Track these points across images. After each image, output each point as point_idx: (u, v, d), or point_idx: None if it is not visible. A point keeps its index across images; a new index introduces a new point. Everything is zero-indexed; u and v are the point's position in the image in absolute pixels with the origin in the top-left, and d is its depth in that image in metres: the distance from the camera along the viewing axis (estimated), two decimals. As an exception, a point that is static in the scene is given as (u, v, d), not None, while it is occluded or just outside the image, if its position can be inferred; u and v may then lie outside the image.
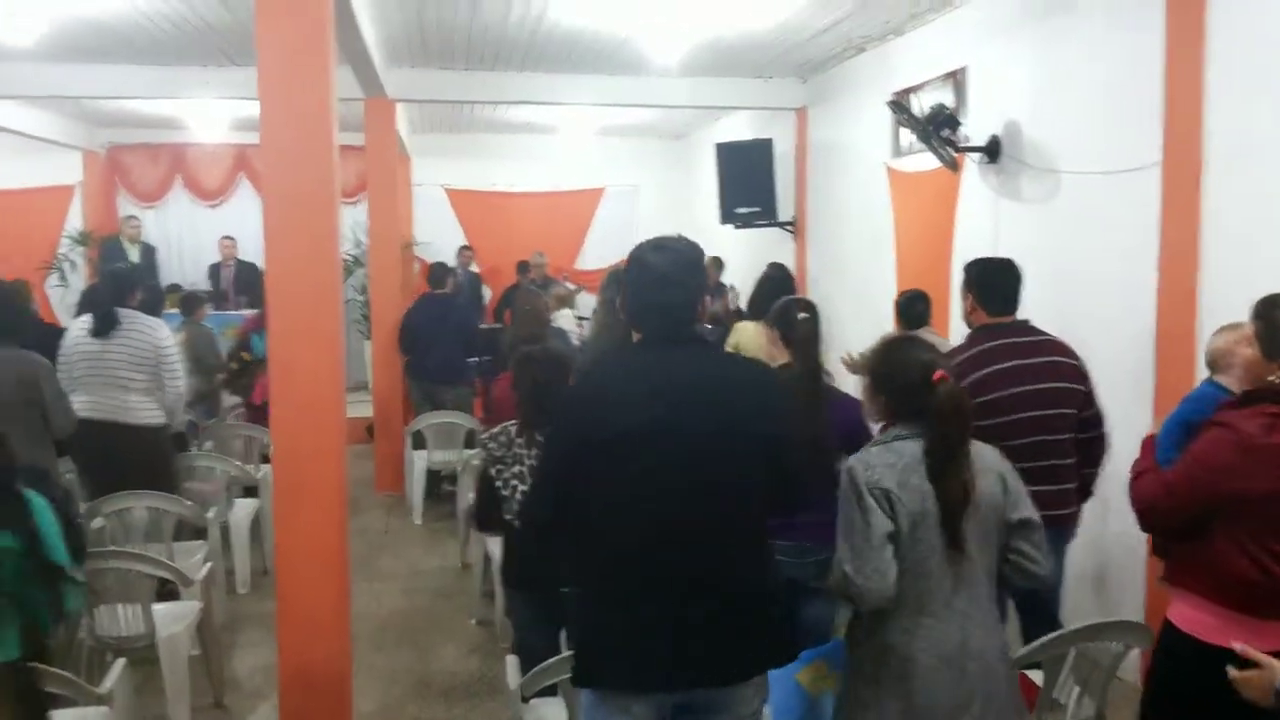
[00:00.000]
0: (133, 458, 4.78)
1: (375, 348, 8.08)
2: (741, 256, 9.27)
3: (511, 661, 3.32)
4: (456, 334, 7.54)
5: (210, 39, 6.70)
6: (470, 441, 6.97)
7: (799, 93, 8.25)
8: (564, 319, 7.15)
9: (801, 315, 3.47)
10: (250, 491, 6.02)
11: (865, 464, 2.32)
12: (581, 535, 2.29)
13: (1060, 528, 3.42)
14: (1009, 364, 3.45)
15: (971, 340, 3.59)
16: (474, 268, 11.28)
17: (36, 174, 10.94)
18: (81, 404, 4.74)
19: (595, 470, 2.24)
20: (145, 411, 4.92)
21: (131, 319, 4.92)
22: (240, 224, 11.21)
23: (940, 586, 2.29)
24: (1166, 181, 4.17)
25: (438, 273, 7.86)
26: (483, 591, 5.34)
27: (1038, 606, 3.55)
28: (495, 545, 5.05)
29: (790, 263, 8.25)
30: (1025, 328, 3.60)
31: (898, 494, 2.27)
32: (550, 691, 2.87)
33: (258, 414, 6.66)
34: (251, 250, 10.90)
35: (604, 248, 11.67)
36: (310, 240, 3.55)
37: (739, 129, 9.65)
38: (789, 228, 8.47)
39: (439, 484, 7.52)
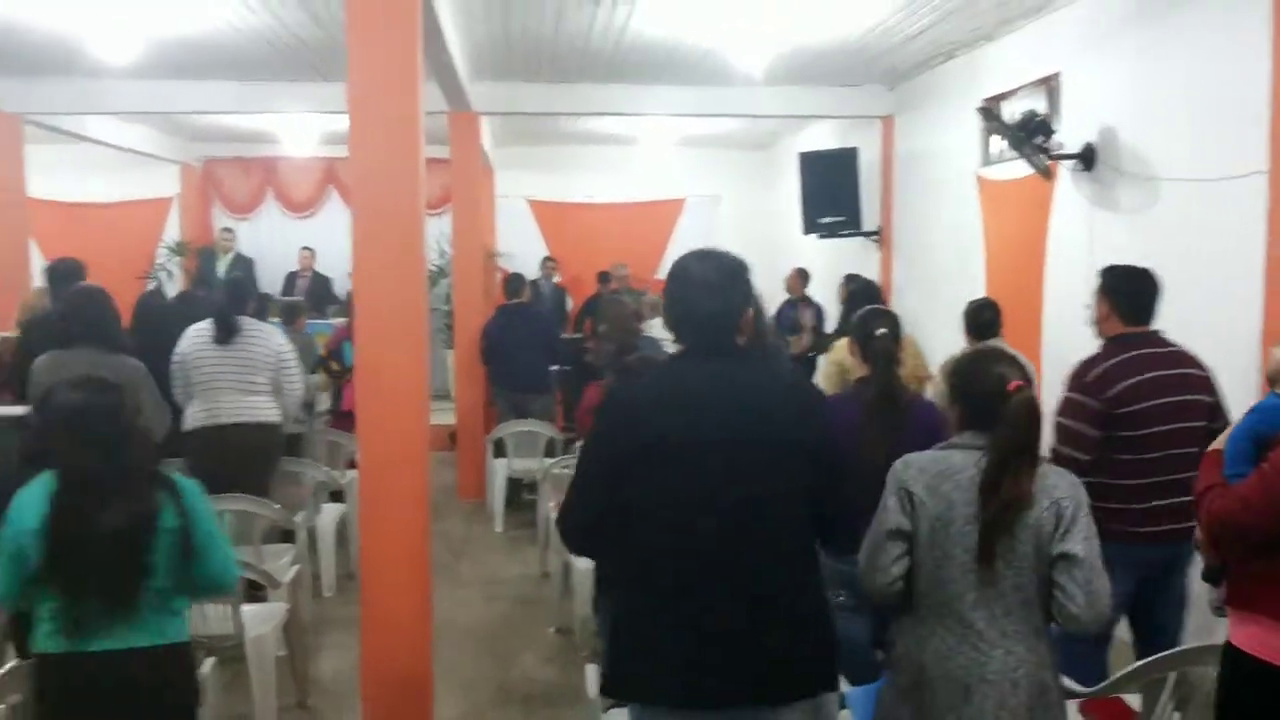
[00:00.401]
0: (244, 458, 4.94)
1: (458, 356, 8.17)
2: (823, 267, 9.17)
3: (591, 670, 3.31)
4: (539, 343, 7.58)
5: (302, 54, 6.87)
6: (551, 450, 7.01)
7: (886, 101, 8.14)
8: (657, 327, 7.13)
9: (880, 331, 3.41)
10: (335, 496, 6.13)
11: (905, 464, 2.36)
12: (617, 542, 2.27)
13: (1189, 543, 3.30)
14: (1148, 375, 3.35)
15: (1108, 351, 3.48)
16: (556, 278, 11.37)
17: (137, 187, 11.40)
18: (199, 408, 4.90)
19: (631, 477, 2.21)
20: (261, 411, 5.08)
21: (251, 326, 5.09)
22: (328, 236, 11.53)
23: (959, 599, 2.27)
24: (1274, 189, 3.99)
25: (514, 284, 7.90)
26: (562, 600, 5.35)
27: (1156, 628, 3.43)
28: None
29: (875, 274, 8.16)
30: (1159, 338, 3.50)
31: (922, 497, 2.28)
32: (631, 702, 2.85)
33: (344, 421, 6.79)
34: (333, 263, 11.25)
35: (686, 258, 11.73)
36: (397, 251, 3.60)
37: (823, 138, 9.56)
38: (874, 238, 8.35)
39: (519, 492, 7.58)
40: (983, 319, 5.06)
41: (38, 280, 7.99)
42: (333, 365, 7.17)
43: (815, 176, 8.40)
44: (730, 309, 2.27)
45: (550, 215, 11.93)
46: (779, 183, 11.05)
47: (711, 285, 2.25)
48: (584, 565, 4.93)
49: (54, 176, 9.64)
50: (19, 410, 5.51)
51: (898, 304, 7.61)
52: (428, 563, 3.89)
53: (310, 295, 10.48)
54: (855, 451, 2.73)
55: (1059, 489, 2.29)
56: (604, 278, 10.51)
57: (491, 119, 9.35)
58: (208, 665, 3.37)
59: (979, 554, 2.23)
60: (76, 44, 6.35)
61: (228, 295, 5.35)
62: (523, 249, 11.56)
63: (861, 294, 5.53)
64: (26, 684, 2.71)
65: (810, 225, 8.41)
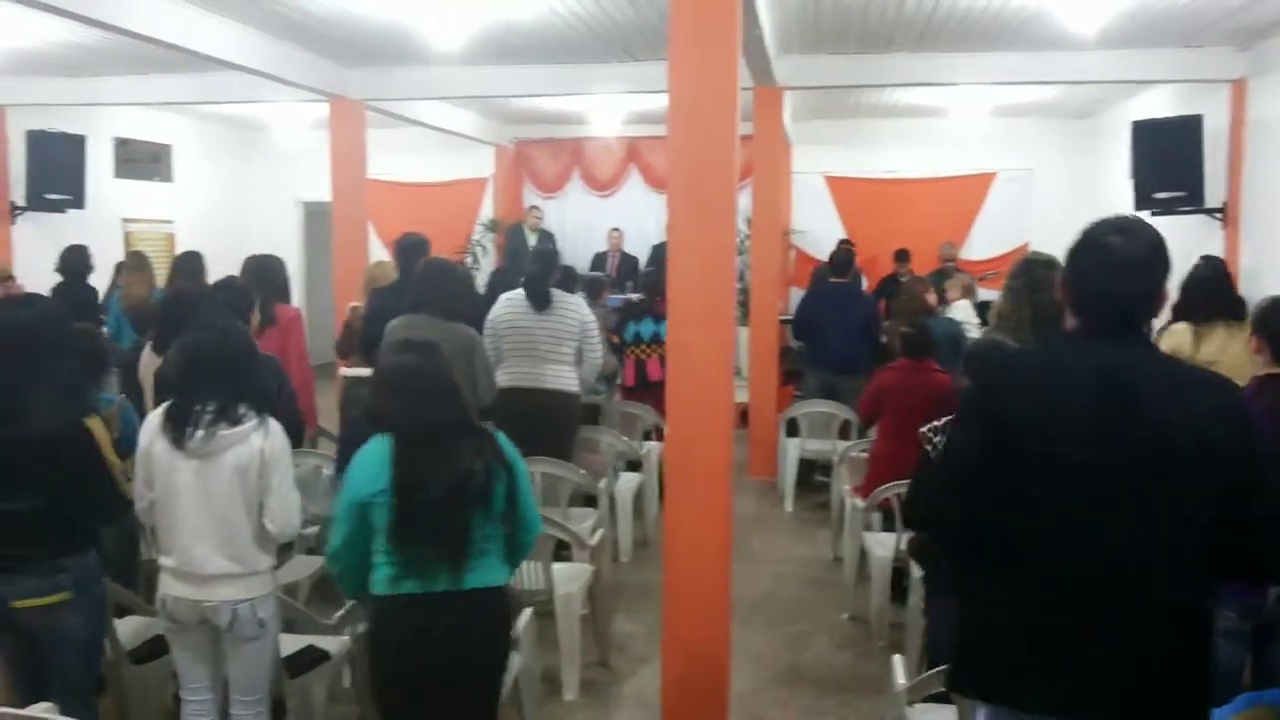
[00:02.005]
0: (547, 422, 5.17)
1: (753, 334, 8.18)
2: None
3: (898, 661, 3.21)
4: (858, 324, 7.38)
5: (615, 36, 7.08)
6: (845, 432, 6.87)
7: (1236, 63, 7.26)
8: (960, 309, 6.80)
9: None
10: (631, 466, 6.30)
11: None
12: (978, 531, 2.11)
13: None
14: None
15: None
16: (852, 256, 11.11)
17: (457, 167, 12.25)
18: (507, 372, 5.21)
19: (1006, 465, 2.03)
20: (564, 379, 5.32)
21: (561, 297, 5.35)
22: (628, 214, 11.93)
23: None
24: None
25: (842, 260, 7.71)
26: (856, 587, 5.23)
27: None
28: (874, 541, 4.95)
29: (1218, 255, 7.33)
30: None
31: None
32: (942, 698, 2.72)
33: (628, 394, 7.00)
34: (632, 240, 11.60)
35: (993, 236, 11.08)
36: (710, 227, 3.61)
37: (1159, 105, 8.68)
38: (1217, 215, 7.50)
39: (811, 473, 7.50)
40: None
41: (377, 254, 8.82)
42: (613, 339, 7.38)
43: (1150, 147, 7.64)
44: (1149, 292, 2.07)
45: (847, 191, 11.64)
46: (1103, 154, 10.17)
47: (1136, 263, 2.04)
48: (883, 555, 4.81)
49: (386, 158, 10.50)
50: (367, 371, 6.12)
51: (1247, 289, 6.79)
52: (729, 535, 3.91)
53: (620, 274, 10.89)
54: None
55: None
56: (901, 256, 10.16)
57: (792, 94, 9.24)
58: (526, 615, 3.58)
59: None
60: (413, 33, 6.88)
61: (536, 265, 5.62)
62: (817, 226, 11.39)
63: (1205, 280, 4.94)
64: (366, 622, 2.98)
65: (1143, 200, 7.67)
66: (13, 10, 5.67)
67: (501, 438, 2.94)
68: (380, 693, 2.90)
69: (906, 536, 4.60)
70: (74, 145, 9.50)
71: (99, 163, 10.20)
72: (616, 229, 11.43)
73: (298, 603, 3.70)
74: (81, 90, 8.93)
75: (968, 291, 7.06)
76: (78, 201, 9.54)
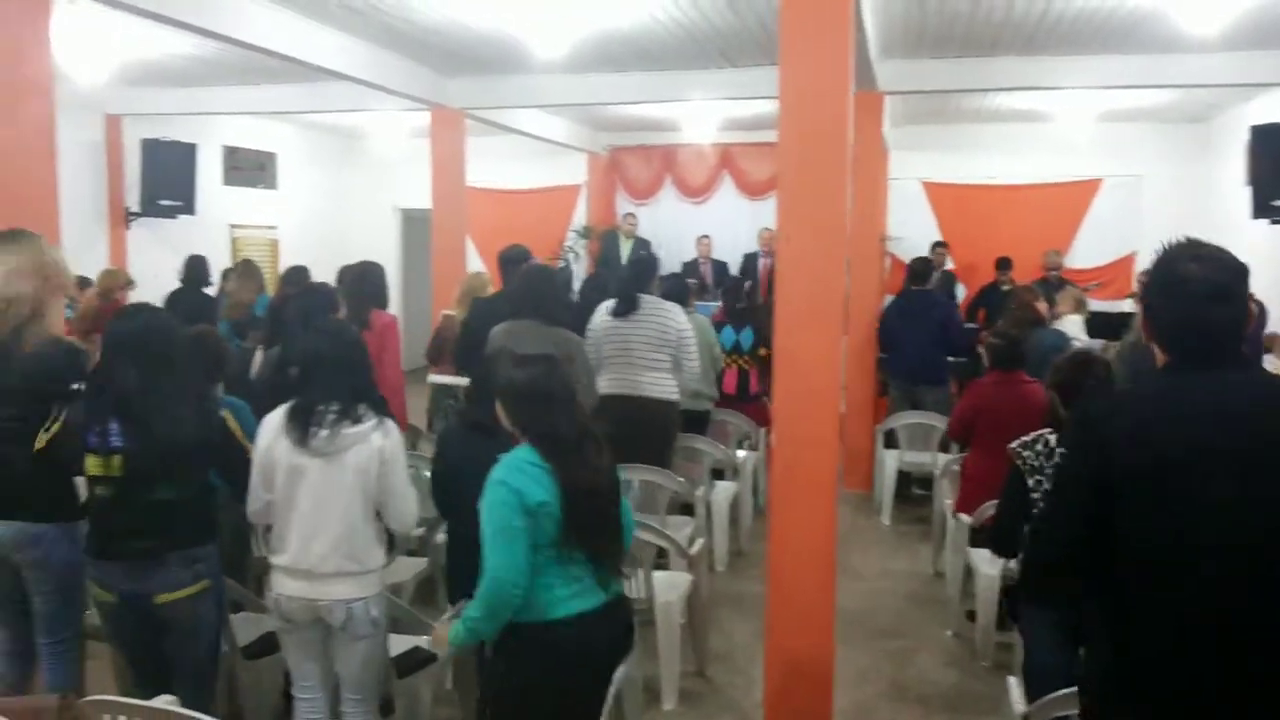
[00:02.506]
0: (645, 430, 5.16)
1: (851, 343, 8.05)
2: (1269, 257, 8.01)
3: (1014, 683, 3.10)
4: (937, 332, 7.27)
5: (714, 42, 7.06)
6: (946, 445, 6.72)
7: (1366, 63, 6.93)
8: (1071, 324, 6.58)
9: None
10: (717, 474, 6.22)
11: None
12: (1102, 574, 1.98)
13: None
14: None
15: None
16: (949, 264, 10.89)
17: (551, 175, 12.36)
18: (606, 379, 5.22)
19: (1120, 507, 1.92)
20: (662, 387, 5.30)
21: (653, 304, 5.33)
22: (719, 221, 11.90)
23: None
24: None
25: (918, 268, 7.62)
26: (963, 605, 5.10)
27: None
28: (980, 558, 4.81)
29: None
30: None
31: None
32: (1062, 722, 2.62)
33: (728, 403, 6.92)
34: (723, 248, 11.52)
35: (1099, 245, 10.77)
36: (819, 233, 3.56)
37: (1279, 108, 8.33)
38: (1343, 224, 7.16)
39: (909, 485, 7.35)
40: None
41: (472, 261, 8.94)
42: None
43: (1269, 152, 7.32)
44: (1240, 315, 1.96)
45: (945, 198, 11.42)
46: (1218, 160, 9.80)
47: (1218, 288, 1.94)
48: (989, 572, 4.68)
49: (481, 165, 10.61)
50: (456, 380, 6.20)
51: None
52: (833, 547, 3.84)
53: (712, 280, 10.85)
54: None
55: None
56: (1003, 264, 9.91)
57: (891, 99, 9.10)
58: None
59: None
60: (514, 42, 6.97)
61: (632, 273, 5.61)
62: (913, 233, 11.19)
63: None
64: (521, 655, 2.79)
65: (1261, 209, 7.35)
66: (137, 24, 5.90)
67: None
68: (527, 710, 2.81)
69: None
70: (186, 153, 9.86)
71: (209, 170, 10.56)
72: (705, 236, 11.39)
73: (403, 603, 3.73)
74: (194, 100, 9.27)
75: (1079, 306, 6.83)
76: (189, 208, 9.90)
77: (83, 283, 6.62)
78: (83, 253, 7.67)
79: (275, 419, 3.08)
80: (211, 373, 3.77)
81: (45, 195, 4.47)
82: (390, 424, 3.11)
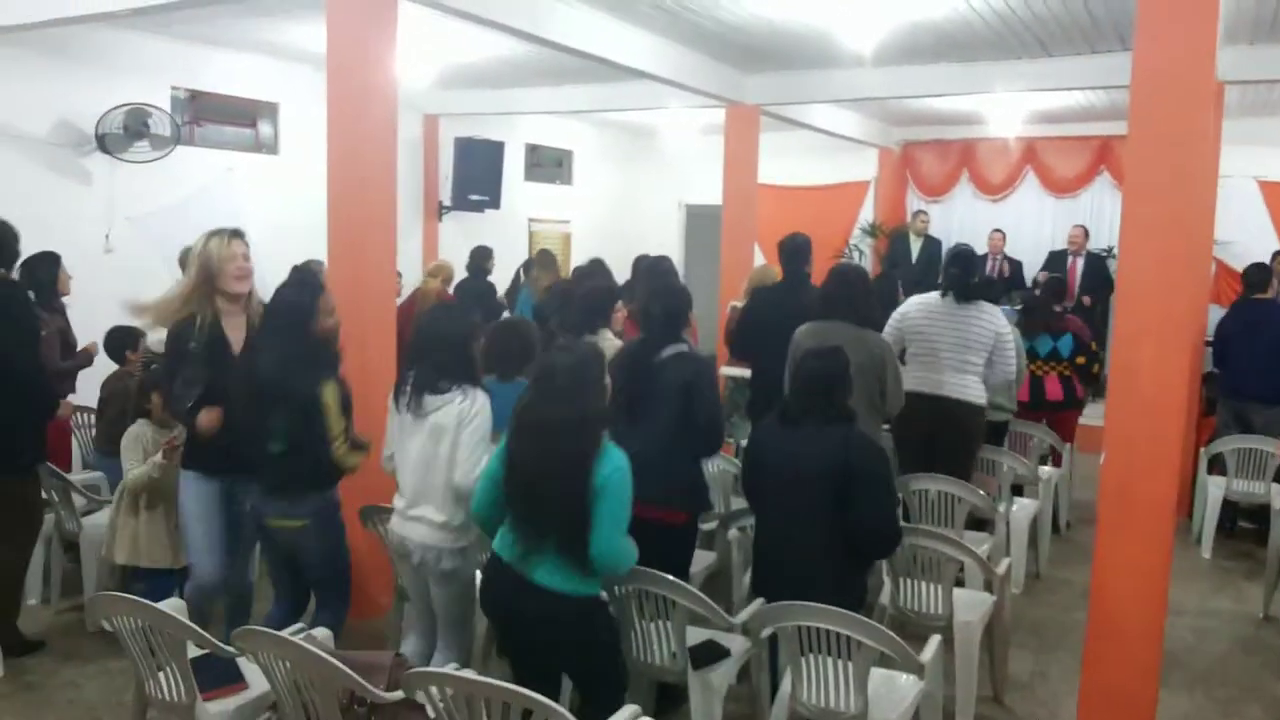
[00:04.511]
0: (947, 434, 4.96)
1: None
2: None
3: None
4: (1274, 346, 6.48)
5: (1032, 30, 6.64)
6: (1281, 475, 6.00)
7: None
8: None
9: None
10: (1015, 490, 5.84)
11: None
12: None
13: None
14: None
15: None
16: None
17: (839, 170, 12.13)
18: (911, 376, 5.04)
19: None
20: (970, 390, 5.07)
21: (979, 304, 5.11)
22: (1019, 219, 11.31)
23: None
24: None
25: (1254, 276, 6.83)
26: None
27: None
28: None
29: None
30: None
31: None
32: None
33: (1045, 410, 6.51)
34: (1023, 246, 10.90)
35: None
36: (1174, 234, 3.24)
37: None
38: None
39: (1234, 517, 6.62)
40: None
41: (759, 260, 8.91)
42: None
43: None
44: None
45: (1286, 199, 10.20)
46: None
47: None
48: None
49: (768, 161, 10.56)
50: (742, 371, 6.20)
51: None
52: (1166, 581, 3.51)
53: (1002, 279, 10.29)
54: None
55: None
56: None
57: (1229, 88, 8.21)
58: (934, 643, 3.41)
59: None
60: (817, 37, 6.86)
61: (956, 267, 5.33)
62: (1245, 235, 10.07)
63: None
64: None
65: None
66: (460, 28, 6.31)
67: None
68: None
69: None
70: (494, 151, 10.50)
71: (512, 167, 11.19)
72: (998, 230, 10.78)
73: (705, 596, 3.74)
74: (501, 100, 9.84)
75: None
76: (494, 202, 10.54)
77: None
78: (401, 243, 8.28)
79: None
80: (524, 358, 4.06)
81: (386, 190, 4.88)
82: (475, 394, 3.42)
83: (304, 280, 3.71)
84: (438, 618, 3.60)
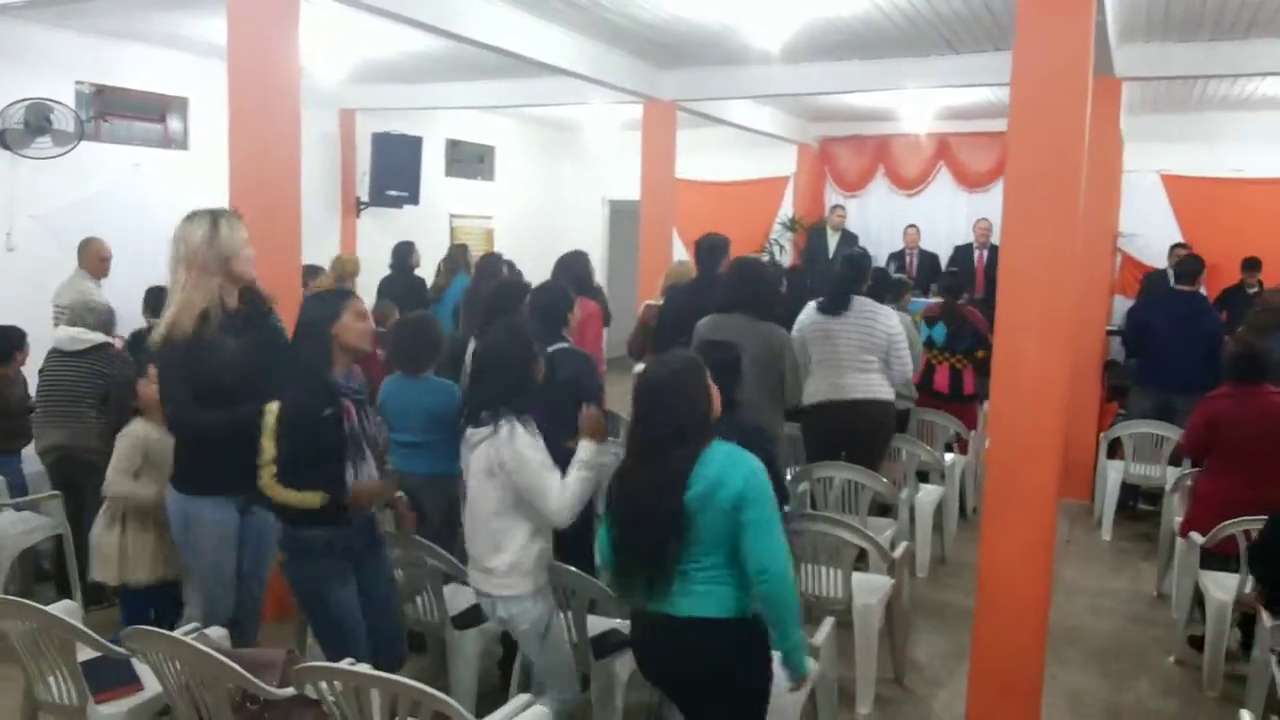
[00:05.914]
0: (854, 434, 5.06)
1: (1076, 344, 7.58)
2: None
3: (1247, 717, 2.83)
4: (1205, 339, 6.56)
5: (938, 29, 6.79)
6: (1176, 458, 6.23)
7: None
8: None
9: None
10: (922, 477, 5.99)
11: None
12: None
13: None
14: None
15: None
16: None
17: (758, 166, 12.25)
18: (814, 384, 5.13)
19: None
20: (874, 388, 5.18)
21: (863, 304, 5.21)
22: (932, 214, 11.50)
23: None
24: None
25: (1189, 266, 6.98)
26: (1187, 631, 4.73)
27: None
28: (1212, 582, 4.44)
29: None
30: None
31: None
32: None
33: (933, 401, 6.67)
34: (937, 241, 11.12)
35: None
36: (1050, 228, 3.37)
37: None
38: None
39: (1132, 499, 6.87)
40: None
41: (678, 253, 8.98)
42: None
43: None
44: None
45: (1186, 191, 10.54)
46: None
47: None
48: (1222, 598, 4.32)
49: (687, 157, 10.58)
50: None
51: None
52: (1050, 561, 3.65)
53: (919, 273, 10.51)
54: None
55: None
56: (1250, 265, 9.08)
57: (1128, 85, 8.49)
58: (828, 624, 3.50)
59: None
60: (731, 34, 6.93)
61: (846, 272, 5.48)
62: (1147, 229, 10.43)
63: None
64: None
65: None
66: (374, 24, 6.26)
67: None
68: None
69: (1251, 580, 4.11)
70: (413, 146, 10.41)
71: (433, 162, 11.10)
72: (913, 225, 11.01)
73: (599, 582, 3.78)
74: (420, 95, 9.74)
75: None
76: (413, 198, 10.46)
77: (312, 271, 6.95)
78: (317, 240, 8.19)
79: None
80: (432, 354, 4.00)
81: (291, 185, 4.82)
82: (512, 428, 3.06)
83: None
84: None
